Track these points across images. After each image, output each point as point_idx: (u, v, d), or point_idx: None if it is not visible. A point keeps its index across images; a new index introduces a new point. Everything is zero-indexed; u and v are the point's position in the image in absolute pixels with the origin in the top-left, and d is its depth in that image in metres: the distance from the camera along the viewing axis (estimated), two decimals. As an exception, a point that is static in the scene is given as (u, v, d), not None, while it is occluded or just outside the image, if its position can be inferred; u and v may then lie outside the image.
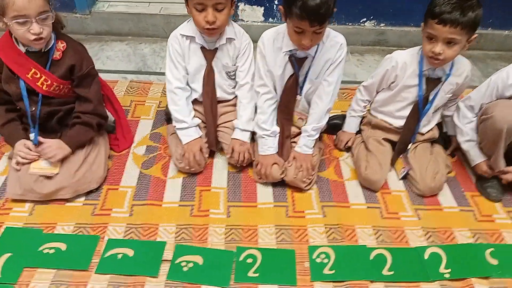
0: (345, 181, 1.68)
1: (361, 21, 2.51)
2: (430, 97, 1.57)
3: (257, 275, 1.33)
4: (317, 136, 1.58)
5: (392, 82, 1.60)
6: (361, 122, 1.80)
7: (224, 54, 1.58)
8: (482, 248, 1.44)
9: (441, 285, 1.32)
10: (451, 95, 1.60)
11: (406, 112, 1.61)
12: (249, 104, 1.61)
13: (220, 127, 1.70)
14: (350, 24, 2.52)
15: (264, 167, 1.57)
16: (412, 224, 1.52)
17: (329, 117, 1.90)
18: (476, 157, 1.61)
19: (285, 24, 1.41)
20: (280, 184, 1.62)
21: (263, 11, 2.47)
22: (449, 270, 1.35)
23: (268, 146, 1.57)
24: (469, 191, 1.66)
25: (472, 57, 2.56)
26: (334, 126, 1.86)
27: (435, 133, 1.71)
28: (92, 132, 1.57)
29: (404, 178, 1.67)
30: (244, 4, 2.46)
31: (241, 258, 1.37)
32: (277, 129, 1.57)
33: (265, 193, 1.60)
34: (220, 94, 1.67)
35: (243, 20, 2.51)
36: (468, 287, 1.32)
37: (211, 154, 1.73)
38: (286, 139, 1.60)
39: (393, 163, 1.69)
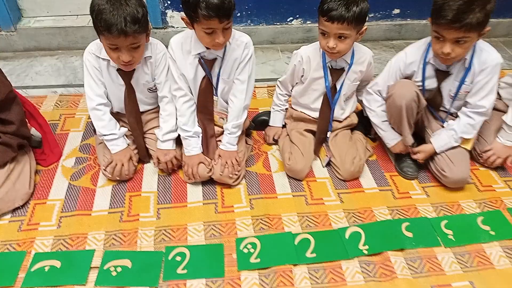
0: (273, 173, 1.74)
1: (288, 20, 2.59)
2: (338, 87, 1.66)
3: (185, 271, 1.36)
4: (239, 133, 1.64)
5: (302, 76, 1.68)
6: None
7: (141, 73, 1.58)
8: (398, 223, 1.54)
9: (360, 261, 1.41)
10: (358, 82, 1.70)
11: (320, 102, 1.69)
12: (169, 117, 1.62)
13: (146, 134, 1.73)
14: (278, 23, 2.60)
15: (190, 167, 1.61)
16: (335, 208, 1.60)
17: (257, 114, 1.99)
18: (394, 135, 1.71)
19: None
20: (209, 182, 1.67)
21: (191, 17, 2.52)
22: (367, 247, 1.44)
23: (192, 146, 1.61)
24: (389, 171, 1.77)
25: (395, 47, 2.71)
26: (262, 122, 1.94)
27: (353, 120, 1.80)
28: (12, 152, 1.55)
29: (328, 165, 1.76)
30: (172, 11, 2.49)
31: (170, 257, 1.40)
32: (199, 129, 1.61)
33: (194, 193, 1.64)
34: (143, 108, 1.70)
35: (173, 27, 2.54)
36: (385, 260, 1.41)
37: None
38: (211, 138, 1.65)
39: (316, 152, 1.77)
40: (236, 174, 1.64)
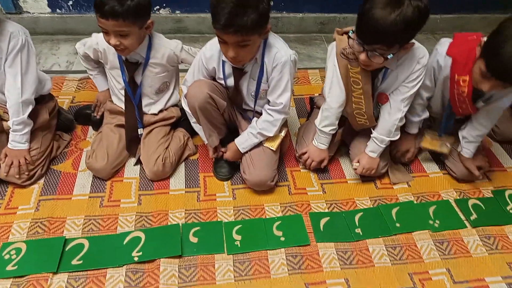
0: (79, 172, 1.63)
1: (155, 8, 2.47)
2: (138, 80, 1.56)
3: None
4: (26, 129, 1.49)
5: (106, 63, 1.58)
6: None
7: None
8: (188, 228, 1.45)
9: (128, 269, 1.31)
10: (164, 73, 1.59)
11: None
12: None
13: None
14: (145, 12, 2.47)
15: (-29, 165, 1.48)
16: (129, 210, 1.50)
17: (80, 107, 1.87)
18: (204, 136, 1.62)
19: None
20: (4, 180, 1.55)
21: (47, 2, 2.35)
22: (140, 253, 1.35)
23: (-30, 143, 1.48)
24: (204, 172, 1.68)
25: (272, 40, 2.61)
26: (86, 116, 1.81)
27: (172, 113, 1.70)
28: None
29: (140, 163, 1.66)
30: (26, -5, 2.33)
31: None
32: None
33: (-19, 192, 1.52)
34: None
35: (29, 12, 2.38)
36: (155, 267, 1.32)
37: None
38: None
39: (130, 149, 1.66)
40: (27, 174, 1.52)
